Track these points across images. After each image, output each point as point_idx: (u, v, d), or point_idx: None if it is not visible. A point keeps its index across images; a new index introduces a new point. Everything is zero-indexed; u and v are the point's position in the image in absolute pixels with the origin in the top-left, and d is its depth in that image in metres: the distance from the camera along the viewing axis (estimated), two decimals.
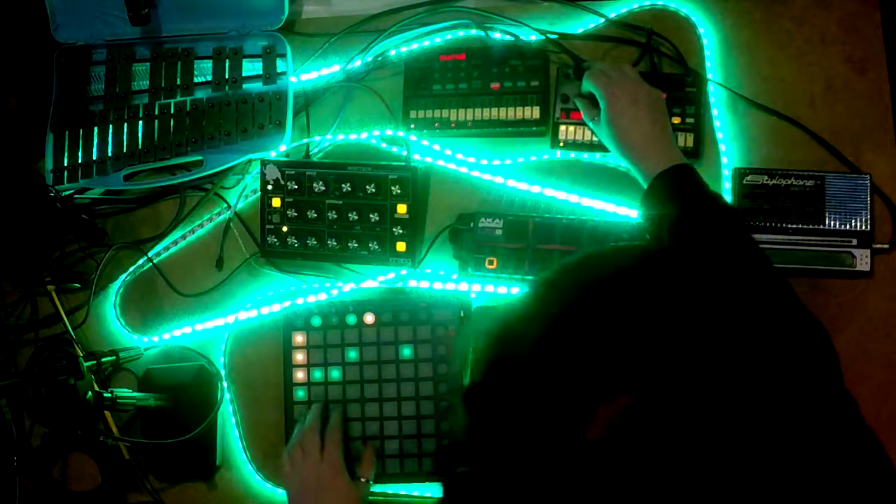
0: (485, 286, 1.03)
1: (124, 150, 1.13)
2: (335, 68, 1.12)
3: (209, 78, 1.14)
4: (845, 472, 0.59)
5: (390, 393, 1.03)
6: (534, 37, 1.08)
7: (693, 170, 0.92)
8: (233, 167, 1.11)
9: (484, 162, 1.07)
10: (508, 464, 0.59)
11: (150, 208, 1.15)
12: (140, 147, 1.13)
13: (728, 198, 1.01)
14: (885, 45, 1.02)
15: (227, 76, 1.13)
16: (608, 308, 0.58)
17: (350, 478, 0.97)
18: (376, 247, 1.05)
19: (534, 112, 1.06)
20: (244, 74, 1.13)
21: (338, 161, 1.07)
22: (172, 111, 1.13)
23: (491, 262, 1.01)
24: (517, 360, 0.59)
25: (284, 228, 1.07)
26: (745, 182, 1.00)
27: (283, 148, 1.10)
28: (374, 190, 1.04)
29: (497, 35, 1.08)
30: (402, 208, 1.04)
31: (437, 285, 1.05)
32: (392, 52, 1.11)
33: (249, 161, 1.11)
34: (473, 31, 1.09)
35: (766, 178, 1.00)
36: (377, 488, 1.02)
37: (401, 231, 1.04)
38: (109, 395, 0.96)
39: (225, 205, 1.12)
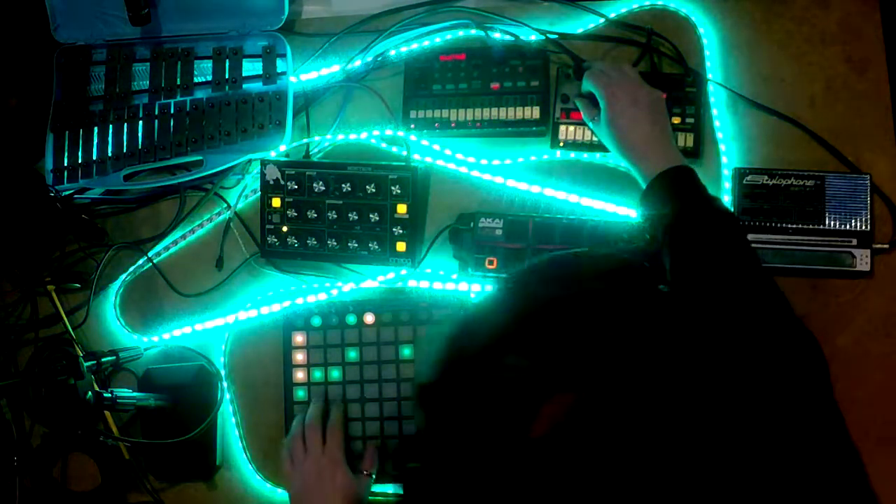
0: (485, 286, 1.03)
1: (124, 150, 1.13)
2: (335, 68, 1.12)
3: (209, 78, 1.14)
4: (797, 477, 0.59)
5: (390, 393, 1.04)
6: (534, 37, 1.08)
7: (692, 171, 0.92)
8: (233, 167, 1.11)
9: (484, 162, 1.07)
10: (457, 460, 0.60)
11: (150, 208, 1.15)
12: (140, 147, 1.13)
13: (728, 198, 1.01)
14: (885, 45, 1.02)
15: (227, 76, 1.13)
16: (559, 309, 0.59)
17: (351, 472, 0.97)
18: (376, 247, 1.05)
19: (534, 112, 1.06)
20: (244, 74, 1.13)
21: (338, 161, 1.07)
22: (172, 111, 1.13)
23: (491, 262, 1.01)
24: (469, 359, 0.60)
25: (284, 228, 1.07)
26: (745, 182, 1.00)
27: (283, 148, 1.10)
28: (374, 190, 1.04)
29: (497, 35, 1.08)
30: (402, 208, 1.04)
31: (437, 285, 1.05)
32: (392, 52, 1.11)
33: (249, 161, 1.11)
34: (473, 32, 1.09)
35: (766, 178, 1.00)
36: (377, 488, 1.02)
37: (401, 231, 1.04)
38: (109, 395, 0.96)
39: (225, 205, 1.12)
